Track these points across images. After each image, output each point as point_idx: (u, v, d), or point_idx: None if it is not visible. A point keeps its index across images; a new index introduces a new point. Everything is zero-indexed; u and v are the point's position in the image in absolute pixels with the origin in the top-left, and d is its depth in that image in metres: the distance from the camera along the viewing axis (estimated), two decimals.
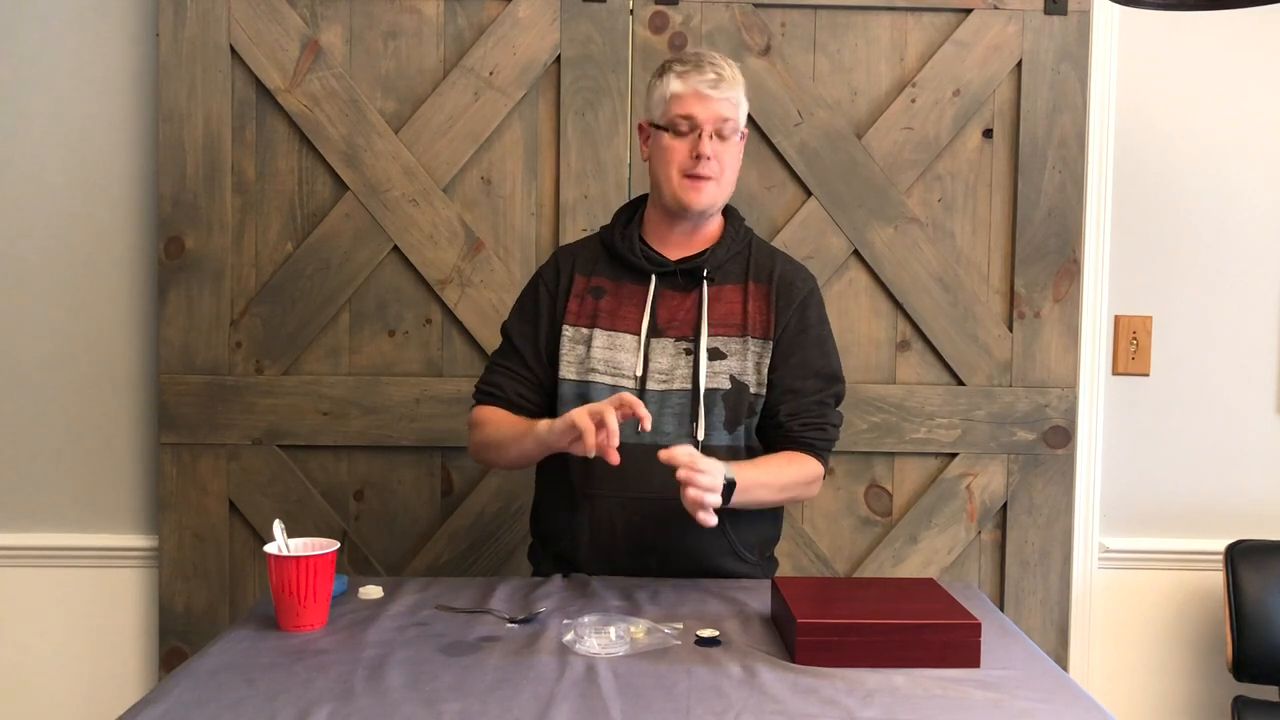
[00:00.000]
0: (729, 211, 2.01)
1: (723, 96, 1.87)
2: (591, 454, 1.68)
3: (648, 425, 1.70)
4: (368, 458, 2.52)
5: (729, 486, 1.75)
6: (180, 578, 2.51)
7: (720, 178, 1.89)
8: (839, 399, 1.99)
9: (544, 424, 1.79)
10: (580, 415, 1.68)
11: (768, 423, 1.94)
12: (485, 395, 1.98)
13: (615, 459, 1.68)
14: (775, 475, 1.88)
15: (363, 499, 2.54)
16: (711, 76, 1.87)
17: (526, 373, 1.95)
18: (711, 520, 1.70)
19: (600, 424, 1.67)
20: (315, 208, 2.50)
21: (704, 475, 1.69)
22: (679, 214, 1.92)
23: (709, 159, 1.86)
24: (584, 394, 1.89)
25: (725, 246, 1.95)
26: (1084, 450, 2.58)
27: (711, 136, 1.87)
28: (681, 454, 1.70)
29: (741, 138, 1.94)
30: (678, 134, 1.89)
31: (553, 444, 1.78)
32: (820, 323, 1.98)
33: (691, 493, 1.69)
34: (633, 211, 2.01)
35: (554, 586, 1.82)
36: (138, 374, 2.55)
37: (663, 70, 1.93)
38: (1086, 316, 2.57)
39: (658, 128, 1.92)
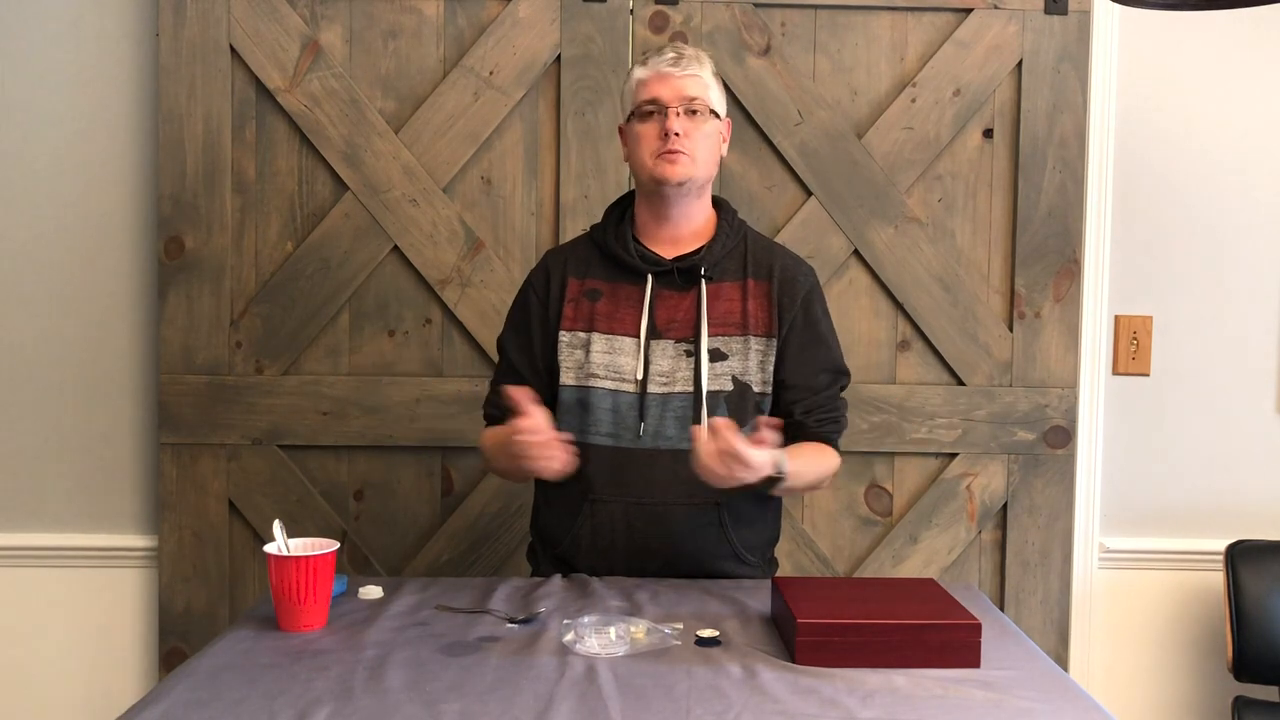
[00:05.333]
0: (721, 205, 1.99)
1: (685, 74, 1.87)
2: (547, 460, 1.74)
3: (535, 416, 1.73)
4: (368, 458, 2.52)
5: (774, 480, 1.76)
6: (180, 578, 2.51)
7: (695, 154, 1.87)
8: (844, 388, 2.00)
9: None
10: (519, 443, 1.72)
11: (782, 419, 1.93)
12: (489, 418, 1.99)
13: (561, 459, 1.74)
14: (813, 467, 1.88)
15: (363, 499, 2.54)
16: (671, 55, 1.88)
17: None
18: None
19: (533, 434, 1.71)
20: (315, 208, 2.50)
21: (747, 471, 1.69)
22: (658, 194, 1.90)
23: (678, 135, 1.84)
24: (584, 399, 1.88)
25: (720, 242, 1.93)
26: (1084, 450, 2.57)
27: (679, 114, 1.85)
28: (726, 436, 1.67)
29: (726, 127, 1.94)
30: (646, 118, 1.88)
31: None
32: (824, 316, 1.98)
33: (716, 474, 1.69)
34: (623, 209, 1.98)
35: (554, 586, 1.82)
36: (138, 374, 2.55)
37: (630, 68, 1.95)
38: (1086, 316, 2.56)
39: (630, 120, 1.92)
